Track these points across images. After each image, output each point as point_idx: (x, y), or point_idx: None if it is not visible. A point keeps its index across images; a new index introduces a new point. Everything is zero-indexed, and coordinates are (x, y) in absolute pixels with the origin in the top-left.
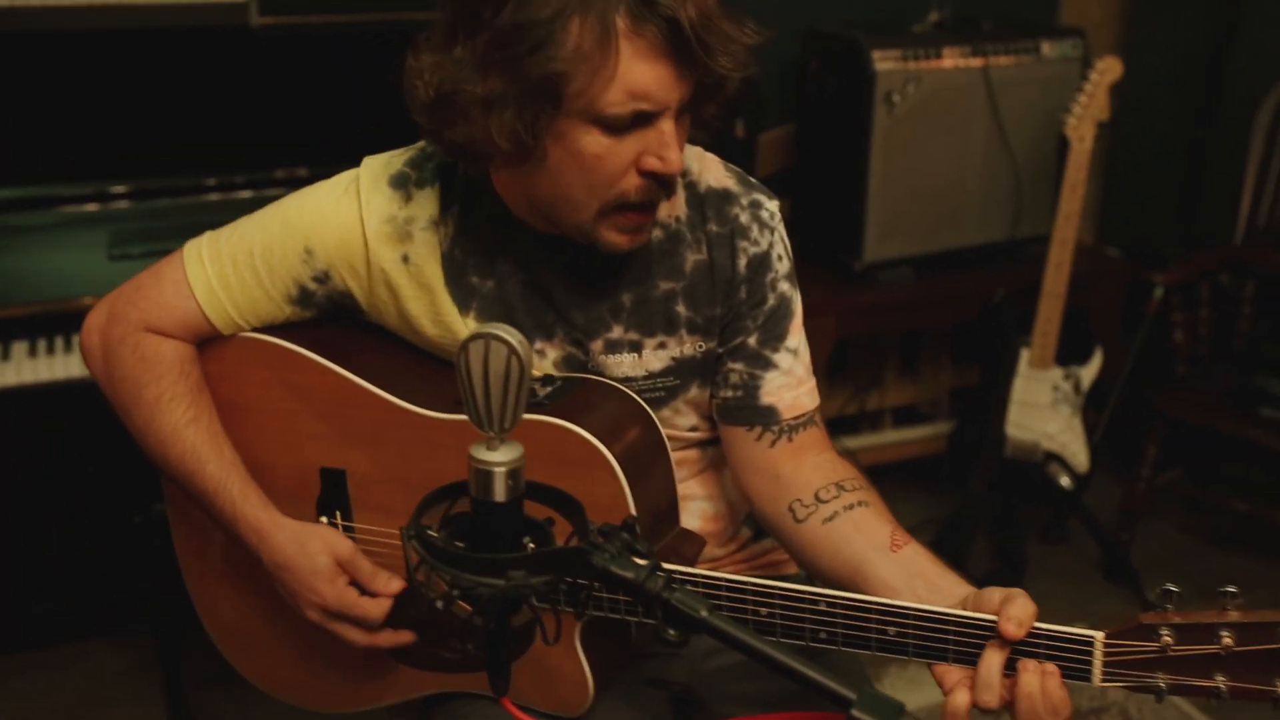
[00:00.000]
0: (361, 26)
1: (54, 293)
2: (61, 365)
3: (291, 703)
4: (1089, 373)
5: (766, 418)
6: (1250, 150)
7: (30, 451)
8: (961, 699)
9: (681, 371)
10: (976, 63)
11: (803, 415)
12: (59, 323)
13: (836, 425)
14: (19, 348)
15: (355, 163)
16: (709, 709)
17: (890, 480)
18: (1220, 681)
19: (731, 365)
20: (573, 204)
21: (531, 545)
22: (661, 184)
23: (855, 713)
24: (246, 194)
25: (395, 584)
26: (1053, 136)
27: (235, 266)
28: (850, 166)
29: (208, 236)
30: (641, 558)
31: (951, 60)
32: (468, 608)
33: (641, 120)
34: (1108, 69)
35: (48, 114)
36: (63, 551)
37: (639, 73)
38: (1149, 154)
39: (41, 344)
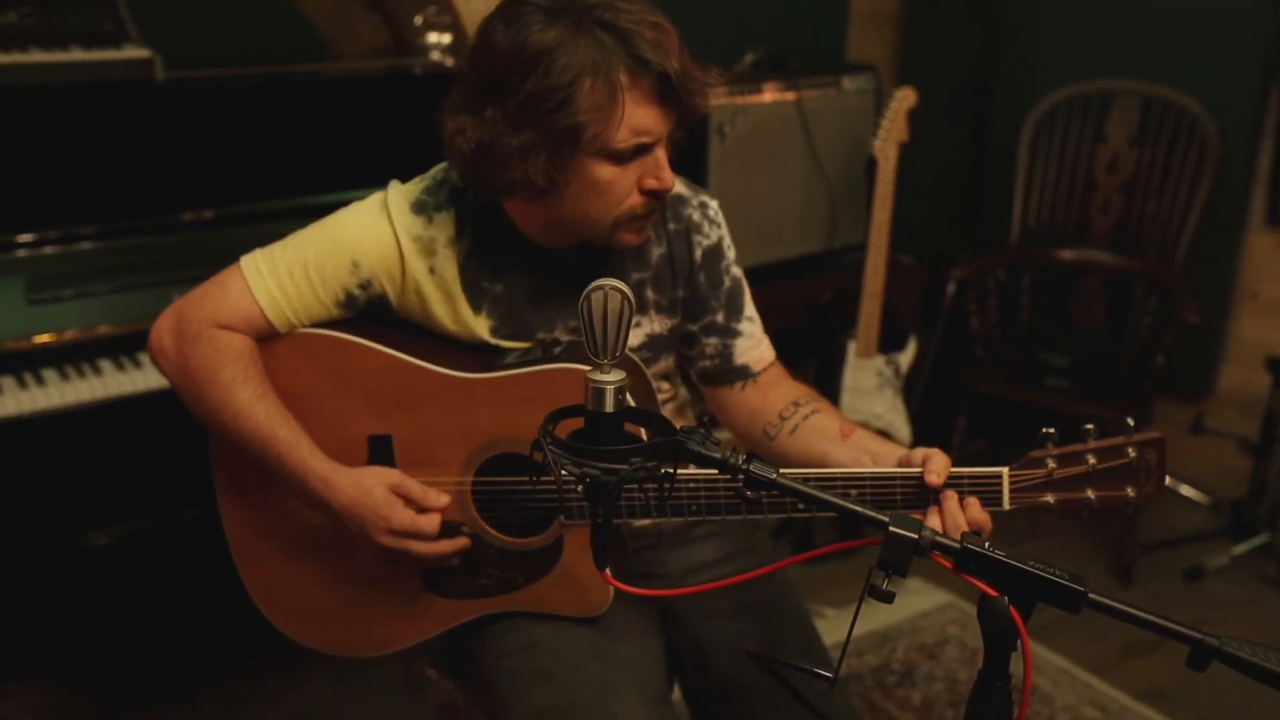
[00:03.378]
0: (254, 79)
1: None
2: None
3: (339, 653)
4: (906, 358)
5: (743, 374)
6: (1018, 164)
7: None
8: None
9: (654, 346)
10: (790, 96)
11: (766, 364)
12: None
13: None
14: None
15: (253, 199)
16: (685, 617)
17: None
18: (1090, 493)
19: (706, 340)
20: (592, 221)
21: None
22: (659, 197)
23: (892, 529)
24: (160, 236)
25: (443, 498)
26: (858, 158)
27: (292, 277)
28: None
29: (261, 252)
30: (719, 448)
31: (770, 95)
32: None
33: (641, 150)
34: (905, 97)
35: None
36: None
37: (639, 115)
38: (933, 171)
39: None
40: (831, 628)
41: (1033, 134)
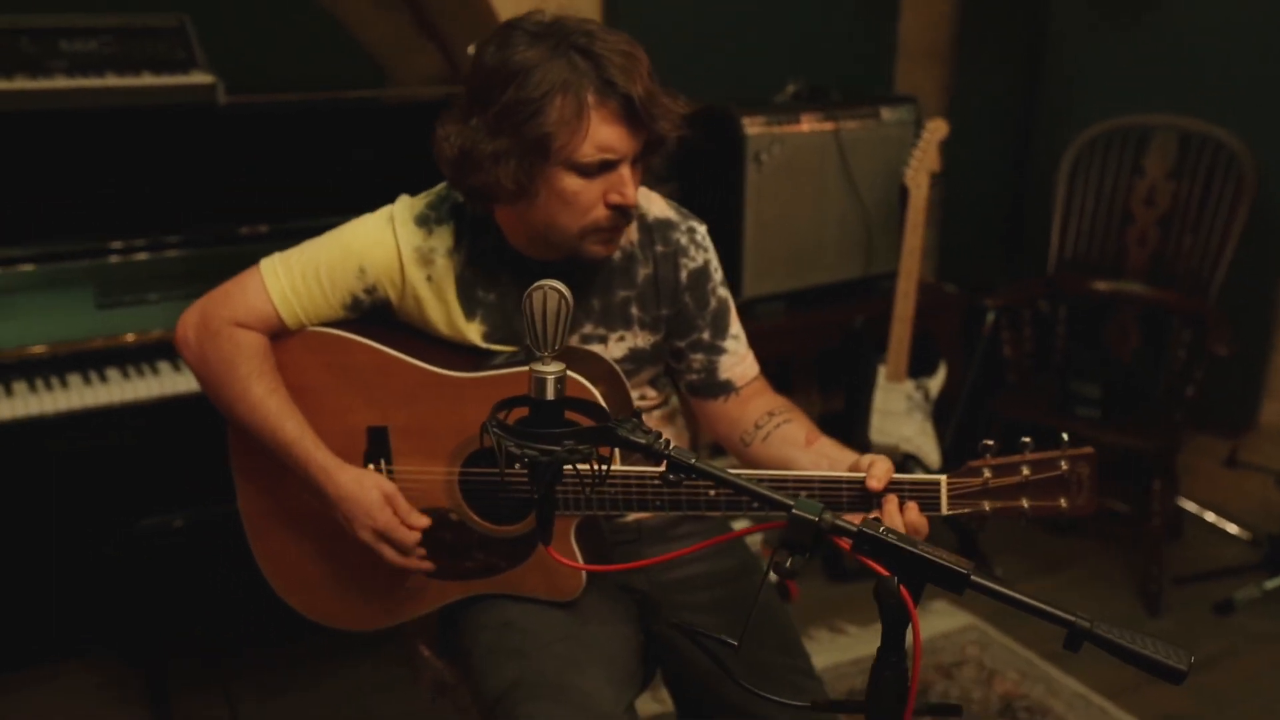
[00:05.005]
0: (309, 103)
1: (50, 336)
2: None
3: (337, 627)
4: (935, 383)
5: (726, 389)
6: (1056, 196)
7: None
8: None
9: (636, 359)
10: (828, 126)
11: (748, 379)
12: (51, 364)
13: (717, 446)
14: (19, 386)
15: (305, 216)
16: (665, 611)
17: None
18: (1025, 502)
19: (693, 356)
20: (559, 229)
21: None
22: (622, 212)
23: (794, 511)
24: (217, 248)
25: (424, 520)
26: (895, 187)
27: (304, 280)
28: (728, 216)
29: (279, 256)
30: (646, 434)
31: (808, 124)
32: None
33: (607, 167)
34: (936, 128)
35: (46, 183)
36: (35, 578)
37: (604, 133)
38: (978, 202)
39: (39, 382)
40: (853, 644)
41: (1071, 166)
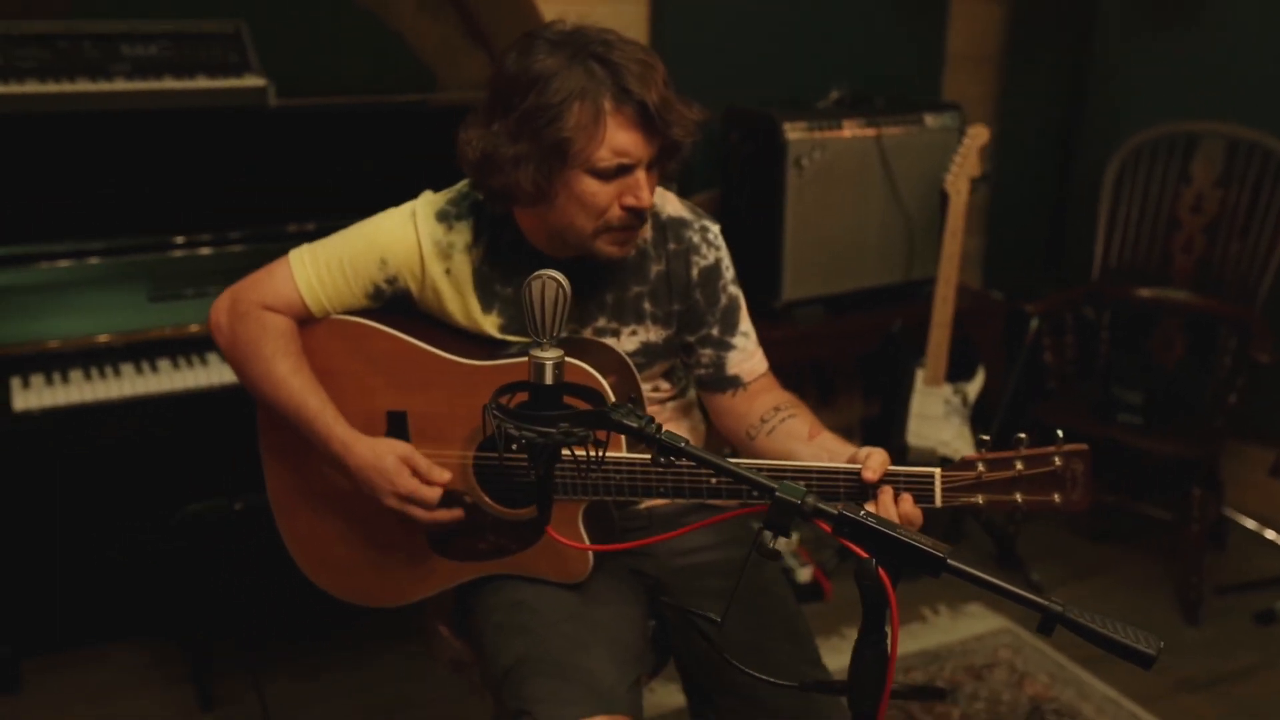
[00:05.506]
0: (357, 106)
1: (110, 327)
2: (105, 387)
3: (358, 603)
4: (974, 388)
5: (734, 383)
6: (1101, 203)
7: (61, 470)
8: None
9: (648, 353)
10: (870, 132)
11: (756, 375)
12: (108, 354)
13: None
14: (76, 374)
15: (352, 217)
16: (673, 596)
17: None
18: (1018, 497)
19: (702, 351)
20: (576, 229)
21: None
22: (636, 215)
23: (778, 494)
24: (265, 245)
25: (445, 474)
26: (938, 194)
27: (329, 269)
28: (768, 221)
29: (307, 247)
30: (640, 419)
31: (850, 130)
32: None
33: (623, 170)
34: (977, 135)
35: (104, 180)
36: (88, 563)
37: (620, 138)
38: (1025, 209)
39: (94, 370)
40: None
41: (1117, 173)
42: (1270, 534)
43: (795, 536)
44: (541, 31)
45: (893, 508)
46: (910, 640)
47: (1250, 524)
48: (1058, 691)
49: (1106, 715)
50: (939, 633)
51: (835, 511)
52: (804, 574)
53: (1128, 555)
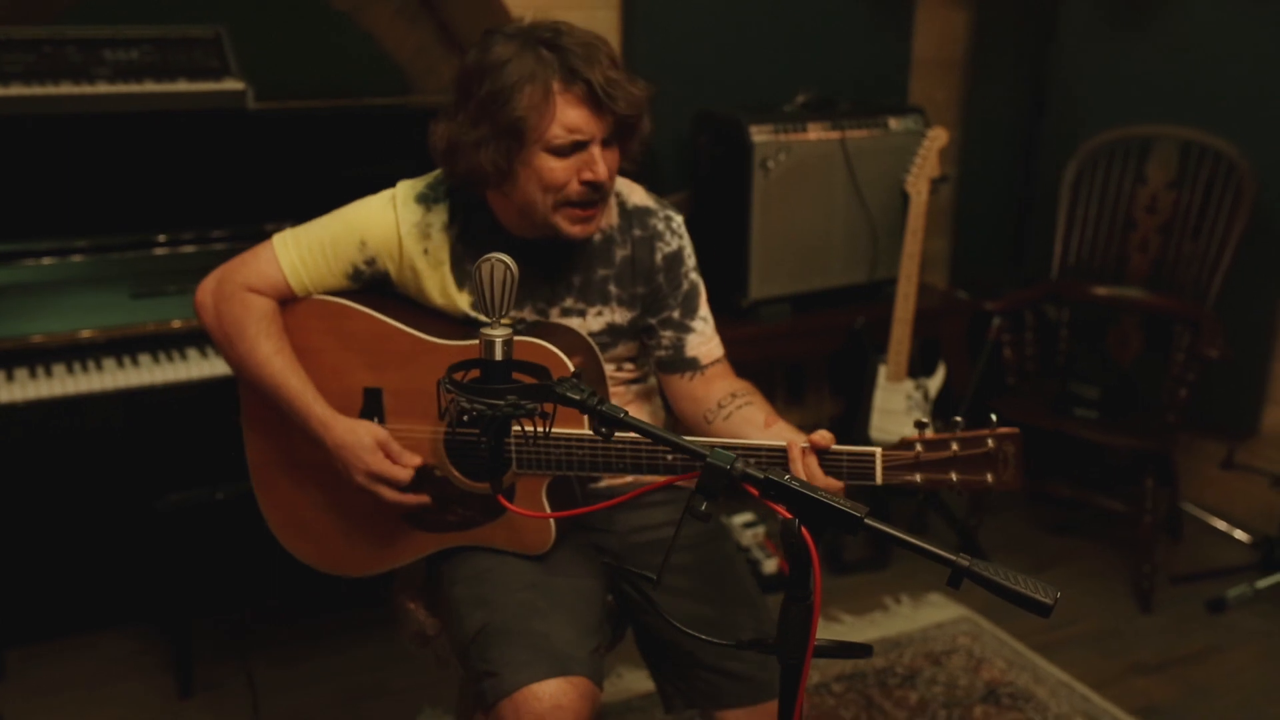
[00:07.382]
0: (333, 109)
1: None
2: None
3: (331, 571)
4: (935, 383)
5: (691, 365)
6: (1060, 204)
7: (44, 461)
8: None
9: (613, 333)
10: (835, 135)
11: (713, 359)
12: (90, 349)
13: None
14: (59, 368)
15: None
16: (635, 574)
17: None
18: (953, 476)
19: (663, 333)
20: (535, 204)
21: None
22: (594, 188)
23: (709, 460)
24: (246, 243)
25: (416, 459)
26: (901, 196)
27: (310, 251)
28: (735, 221)
29: (290, 231)
30: (583, 392)
31: (815, 133)
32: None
33: (578, 147)
34: (936, 137)
35: (87, 181)
36: (72, 552)
37: (570, 115)
38: (989, 210)
39: (77, 364)
40: (848, 632)
41: (1075, 175)
42: (1223, 525)
43: (762, 529)
44: (498, 28)
45: (819, 474)
46: (872, 628)
47: (1204, 516)
48: (1014, 676)
49: (1060, 698)
50: (901, 621)
51: (761, 476)
52: (770, 565)
53: (1086, 547)
